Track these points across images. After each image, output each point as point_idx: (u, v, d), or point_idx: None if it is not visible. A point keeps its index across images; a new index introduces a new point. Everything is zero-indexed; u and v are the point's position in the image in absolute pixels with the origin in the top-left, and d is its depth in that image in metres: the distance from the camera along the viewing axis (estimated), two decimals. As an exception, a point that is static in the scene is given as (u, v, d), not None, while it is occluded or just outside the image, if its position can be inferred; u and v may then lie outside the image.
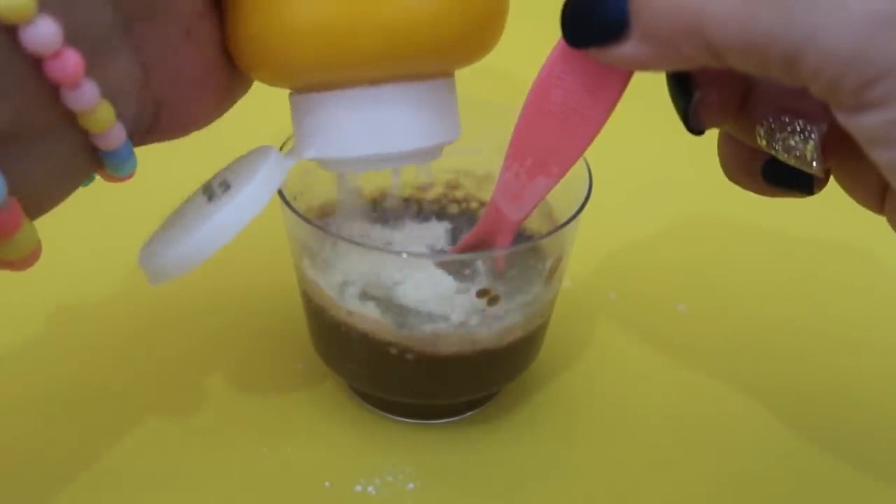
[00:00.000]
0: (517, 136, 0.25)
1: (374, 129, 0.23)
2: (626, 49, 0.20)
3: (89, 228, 0.38)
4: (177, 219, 0.24)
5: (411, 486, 0.29)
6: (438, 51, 0.22)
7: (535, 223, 0.32)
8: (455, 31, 0.21)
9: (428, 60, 0.22)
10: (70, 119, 0.19)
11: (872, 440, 0.32)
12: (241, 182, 0.22)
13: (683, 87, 0.22)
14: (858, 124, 0.18)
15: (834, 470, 0.31)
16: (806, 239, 0.43)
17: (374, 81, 0.22)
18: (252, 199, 0.22)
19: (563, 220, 0.27)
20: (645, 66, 0.20)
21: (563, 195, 0.28)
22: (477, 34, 0.22)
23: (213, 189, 0.23)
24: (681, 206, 0.45)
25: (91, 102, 0.18)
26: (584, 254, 0.33)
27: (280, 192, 0.27)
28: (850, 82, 0.17)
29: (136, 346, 0.34)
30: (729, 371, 0.35)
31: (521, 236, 0.29)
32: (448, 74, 0.24)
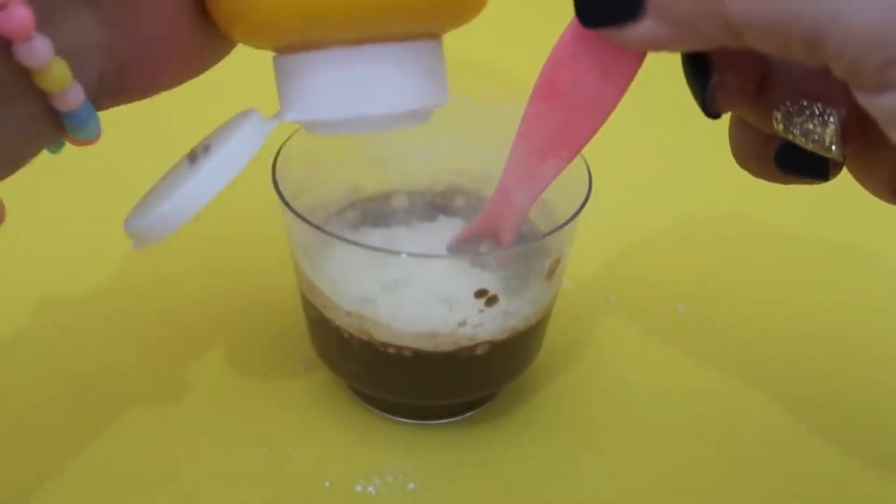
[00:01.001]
0: (527, 117, 0.24)
1: (360, 91, 0.22)
2: (642, 29, 0.19)
3: (88, 228, 0.38)
4: (160, 184, 0.23)
5: (411, 486, 0.29)
6: (425, 9, 0.21)
7: (534, 222, 0.32)
8: None
9: (415, 19, 0.21)
10: (26, 78, 0.18)
11: (873, 440, 0.32)
12: (220, 143, 0.22)
13: (700, 70, 0.22)
14: (879, 105, 0.17)
15: (833, 469, 0.31)
16: (806, 239, 0.43)
17: (360, 41, 0.21)
18: (230, 158, 0.21)
19: (563, 220, 0.27)
20: (661, 46, 0.19)
21: (563, 195, 0.28)
22: None
23: (196, 153, 0.23)
24: (681, 206, 0.45)
25: (44, 58, 0.18)
26: (584, 254, 0.33)
27: (280, 192, 0.27)
28: (873, 62, 0.17)
29: (135, 345, 0.34)
30: (728, 371, 0.35)
31: (521, 236, 0.29)
32: (435, 36, 0.23)
